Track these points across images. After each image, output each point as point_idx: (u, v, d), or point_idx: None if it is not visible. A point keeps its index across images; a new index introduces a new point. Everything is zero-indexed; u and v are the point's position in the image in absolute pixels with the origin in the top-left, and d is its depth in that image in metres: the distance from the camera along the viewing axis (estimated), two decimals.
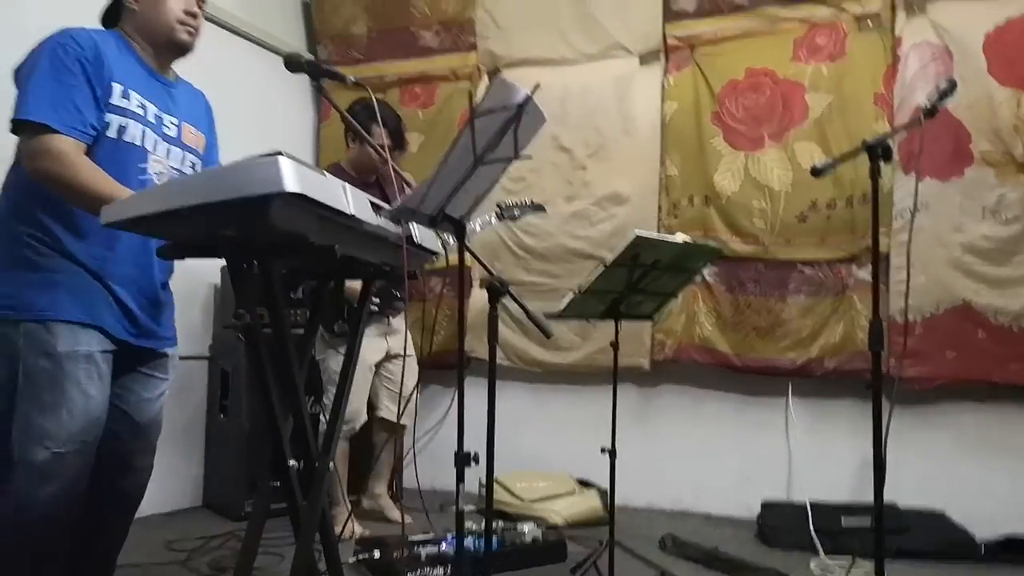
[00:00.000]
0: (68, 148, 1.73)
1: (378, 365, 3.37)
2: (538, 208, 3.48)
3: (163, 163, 1.94)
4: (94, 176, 1.73)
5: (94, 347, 1.81)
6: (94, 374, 1.80)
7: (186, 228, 1.48)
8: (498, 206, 3.40)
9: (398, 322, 3.40)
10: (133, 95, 1.87)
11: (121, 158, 1.84)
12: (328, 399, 3.24)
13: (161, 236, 1.59)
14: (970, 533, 3.22)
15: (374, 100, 2.12)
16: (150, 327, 1.96)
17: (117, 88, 1.84)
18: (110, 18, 2.00)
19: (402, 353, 3.32)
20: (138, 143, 1.88)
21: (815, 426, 3.73)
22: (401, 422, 3.37)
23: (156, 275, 1.97)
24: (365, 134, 2.22)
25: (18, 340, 1.76)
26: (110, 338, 1.85)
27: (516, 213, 3.40)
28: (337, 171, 3.19)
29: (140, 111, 1.89)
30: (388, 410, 3.44)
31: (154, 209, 1.41)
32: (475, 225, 3.32)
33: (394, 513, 3.51)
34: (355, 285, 3.13)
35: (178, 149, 1.99)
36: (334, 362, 3.21)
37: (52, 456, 1.74)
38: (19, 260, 1.80)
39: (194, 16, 1.97)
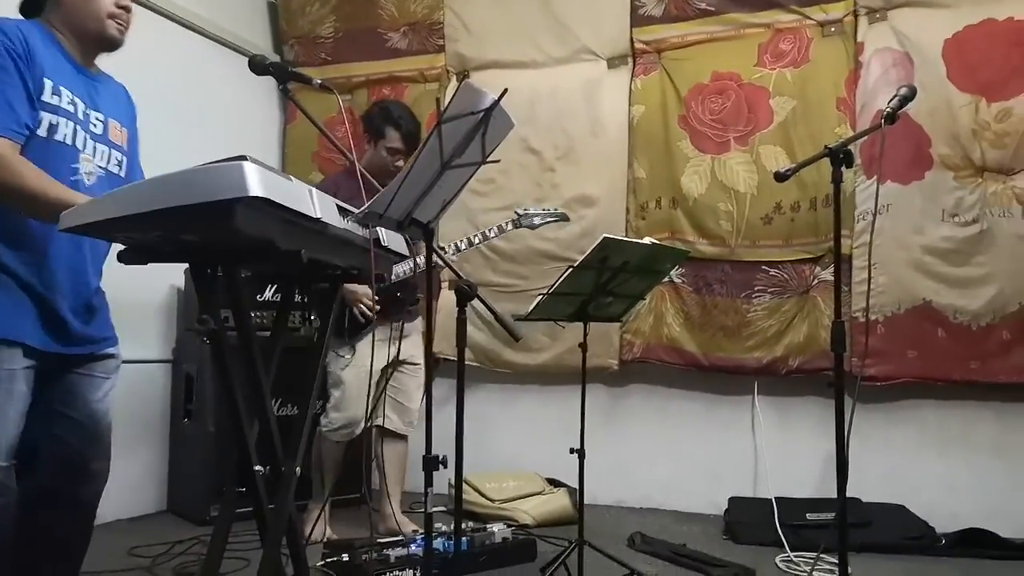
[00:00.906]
0: (6, 151, 1.65)
1: (383, 372, 3.16)
2: (562, 218, 3.27)
3: (91, 162, 1.86)
4: (41, 180, 1.65)
5: (16, 365, 1.73)
6: (13, 393, 1.73)
7: (148, 233, 1.44)
8: (516, 213, 3.18)
9: (411, 327, 3.30)
10: (64, 91, 1.78)
11: (52, 157, 1.75)
12: (331, 402, 3.20)
13: (122, 241, 1.54)
14: (931, 526, 3.29)
15: (343, 101, 2.11)
16: (84, 333, 1.87)
17: (48, 84, 1.75)
18: (30, 7, 1.89)
19: (410, 360, 3.25)
20: (69, 142, 1.79)
21: (781, 424, 3.79)
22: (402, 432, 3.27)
23: (91, 279, 1.90)
24: (335, 140, 2.14)
25: None
26: (34, 353, 1.77)
27: (536, 222, 3.16)
28: (350, 174, 3.12)
29: (71, 108, 1.80)
30: (389, 419, 3.24)
31: (116, 214, 1.38)
32: (490, 231, 3.18)
33: (410, 528, 3.18)
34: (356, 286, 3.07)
35: (104, 147, 1.90)
36: (335, 365, 3.15)
37: None
38: None
39: (126, 10, 1.89)
